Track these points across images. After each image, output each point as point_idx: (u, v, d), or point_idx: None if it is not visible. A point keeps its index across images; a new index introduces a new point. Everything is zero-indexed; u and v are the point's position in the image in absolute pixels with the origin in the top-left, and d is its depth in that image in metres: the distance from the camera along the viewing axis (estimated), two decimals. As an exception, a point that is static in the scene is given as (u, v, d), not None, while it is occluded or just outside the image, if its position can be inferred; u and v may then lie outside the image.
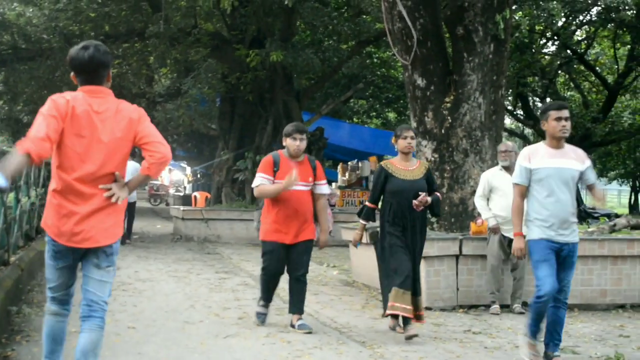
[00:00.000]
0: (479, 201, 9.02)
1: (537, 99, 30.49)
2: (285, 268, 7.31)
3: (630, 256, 9.36)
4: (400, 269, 6.86)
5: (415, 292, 7.00)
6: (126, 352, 6.09)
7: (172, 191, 38.47)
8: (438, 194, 7.24)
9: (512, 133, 33.74)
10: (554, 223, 6.01)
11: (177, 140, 35.58)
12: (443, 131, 9.95)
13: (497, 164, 9.59)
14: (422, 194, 6.86)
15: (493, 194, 8.88)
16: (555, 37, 25.46)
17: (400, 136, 7.09)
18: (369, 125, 33.48)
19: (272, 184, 7.07)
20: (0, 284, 7.24)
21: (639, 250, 9.38)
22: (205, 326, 7.44)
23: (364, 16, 21.03)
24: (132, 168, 18.14)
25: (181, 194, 33.30)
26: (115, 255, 4.63)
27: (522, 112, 29.66)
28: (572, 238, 6.11)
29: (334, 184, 22.51)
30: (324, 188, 7.33)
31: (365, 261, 10.51)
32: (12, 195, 9.60)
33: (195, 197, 21.78)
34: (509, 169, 8.73)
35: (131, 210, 16.78)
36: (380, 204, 7.33)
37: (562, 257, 6.04)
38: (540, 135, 28.91)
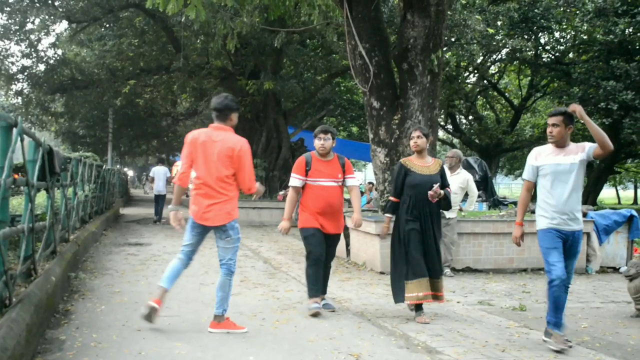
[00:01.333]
0: None
1: (462, 117, 30.69)
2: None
3: (530, 233, 9.30)
4: (413, 260, 5.89)
5: (432, 274, 5.93)
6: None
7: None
8: (448, 189, 6.14)
9: (444, 142, 33.81)
10: (557, 214, 5.03)
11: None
12: (392, 141, 9.96)
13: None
14: (435, 186, 5.90)
15: None
16: (475, 71, 25.66)
17: (409, 137, 6.23)
18: (338, 137, 33.43)
19: (293, 203, 6.31)
20: (62, 256, 7.18)
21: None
22: (215, 287, 7.38)
23: (334, 55, 21.02)
24: (162, 171, 18.01)
25: (198, 188, 32.90)
26: (231, 231, 5.33)
27: (451, 127, 29.76)
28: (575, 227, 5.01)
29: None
30: (353, 181, 6.39)
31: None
32: (70, 189, 9.50)
33: (208, 190, 21.63)
34: (450, 169, 9.11)
35: (162, 201, 16.71)
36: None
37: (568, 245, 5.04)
38: (465, 144, 29.16)
